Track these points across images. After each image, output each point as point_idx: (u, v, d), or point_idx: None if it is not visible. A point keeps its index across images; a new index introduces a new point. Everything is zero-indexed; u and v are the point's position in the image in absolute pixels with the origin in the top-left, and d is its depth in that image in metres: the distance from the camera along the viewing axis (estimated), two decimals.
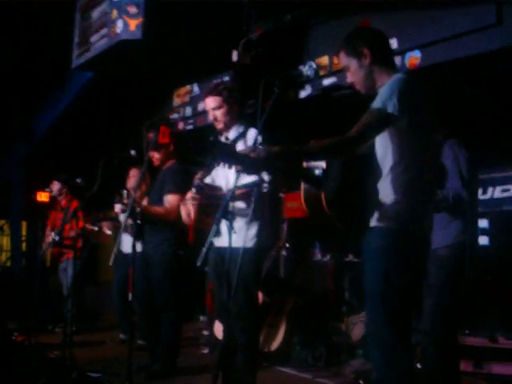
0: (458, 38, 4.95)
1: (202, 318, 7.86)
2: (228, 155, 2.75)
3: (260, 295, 5.98)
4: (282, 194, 7.75)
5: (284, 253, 7.10)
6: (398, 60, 5.24)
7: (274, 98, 3.10)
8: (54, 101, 9.83)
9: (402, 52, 5.28)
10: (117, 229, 7.01)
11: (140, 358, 5.41)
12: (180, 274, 5.44)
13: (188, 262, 5.29)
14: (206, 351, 6.58)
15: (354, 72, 3.10)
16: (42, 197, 10.11)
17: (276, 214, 7.33)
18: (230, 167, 2.80)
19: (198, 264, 2.89)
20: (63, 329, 5.41)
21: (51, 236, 7.51)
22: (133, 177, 6.95)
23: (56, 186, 8.04)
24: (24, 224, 11.52)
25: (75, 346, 5.32)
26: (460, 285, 4.09)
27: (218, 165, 2.81)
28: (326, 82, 6.00)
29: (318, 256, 7.29)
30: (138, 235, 5.30)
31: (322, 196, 2.90)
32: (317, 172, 2.96)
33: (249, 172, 3.08)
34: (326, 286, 7.07)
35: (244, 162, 2.80)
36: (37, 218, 8.96)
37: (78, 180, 5.87)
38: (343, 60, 3.15)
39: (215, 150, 2.72)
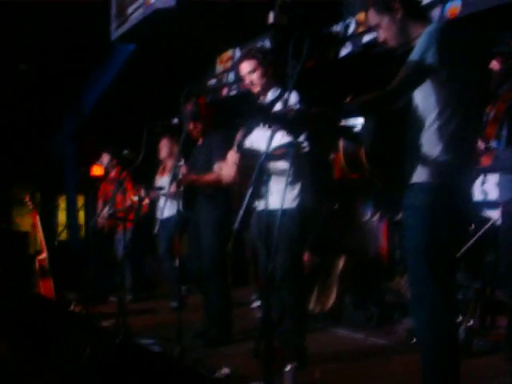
0: None
1: None
2: (264, 115, 2.73)
3: (309, 256, 5.98)
4: (332, 155, 7.68)
5: (334, 213, 7.06)
6: (437, 11, 5.11)
7: (304, 55, 3.05)
8: (101, 74, 9.94)
9: (441, 1, 5.14)
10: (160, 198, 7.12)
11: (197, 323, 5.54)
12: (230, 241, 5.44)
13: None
14: (258, 315, 6.62)
15: (386, 28, 2.99)
16: (97, 170, 10.26)
17: (322, 174, 7.27)
18: (267, 127, 2.78)
19: (236, 227, 2.87)
20: (117, 298, 5.48)
21: (104, 207, 7.67)
22: (164, 147, 6.98)
23: (106, 159, 8.15)
24: (81, 198, 11.79)
25: (130, 315, 5.43)
26: None
27: (256, 126, 2.77)
28: (366, 38, 5.89)
29: (369, 215, 7.23)
30: (188, 203, 5.35)
31: (362, 151, 2.86)
32: (355, 129, 2.92)
33: (286, 132, 3.04)
34: (378, 245, 7.02)
35: (281, 122, 2.77)
36: (91, 192, 9.11)
37: (125, 151, 5.92)
38: (374, 18, 3.04)
39: (252, 111, 2.70)
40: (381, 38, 3.06)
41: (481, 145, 3.56)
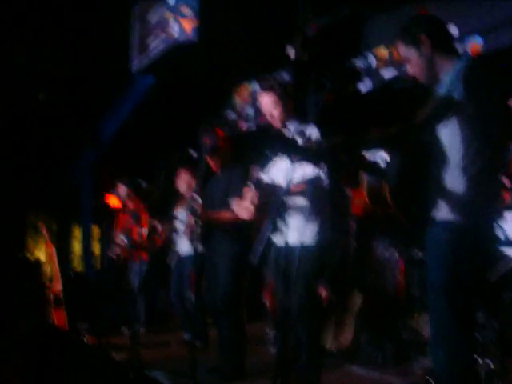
0: None
1: None
2: (288, 146, 2.70)
3: (325, 293, 5.91)
4: (349, 191, 7.64)
5: (351, 250, 7.01)
6: (459, 47, 5.10)
7: (326, 90, 3.04)
8: (120, 105, 10.01)
9: (462, 39, 5.14)
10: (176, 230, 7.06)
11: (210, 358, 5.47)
12: (246, 276, 5.38)
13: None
14: (274, 351, 6.53)
15: (414, 62, 2.97)
16: (112, 201, 10.29)
17: (341, 210, 7.23)
18: (290, 159, 2.75)
19: (254, 262, 2.84)
20: (130, 330, 5.44)
21: (120, 238, 7.65)
22: (181, 179, 6.91)
23: (122, 190, 8.15)
24: (96, 228, 11.80)
25: (143, 347, 5.38)
26: None
27: (279, 156, 2.73)
28: (386, 74, 5.89)
29: (386, 253, 7.16)
30: (205, 239, 5.29)
31: (386, 187, 2.83)
32: (380, 164, 2.89)
33: (309, 163, 2.99)
34: (395, 282, 6.93)
35: (304, 153, 2.74)
36: (106, 222, 9.13)
37: (142, 182, 5.91)
38: (402, 51, 3.02)
39: (275, 142, 2.69)
40: (409, 72, 3.03)
41: (508, 183, 3.52)
